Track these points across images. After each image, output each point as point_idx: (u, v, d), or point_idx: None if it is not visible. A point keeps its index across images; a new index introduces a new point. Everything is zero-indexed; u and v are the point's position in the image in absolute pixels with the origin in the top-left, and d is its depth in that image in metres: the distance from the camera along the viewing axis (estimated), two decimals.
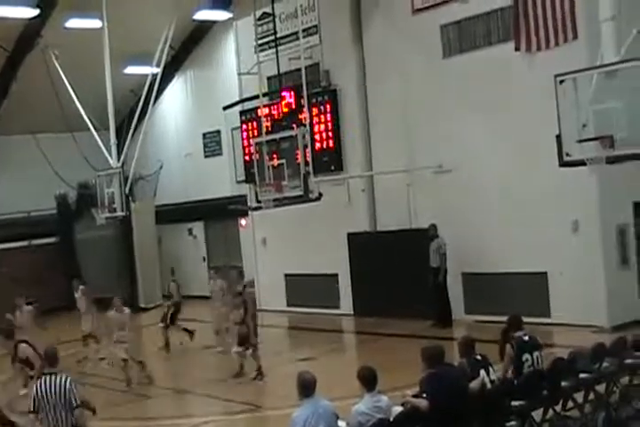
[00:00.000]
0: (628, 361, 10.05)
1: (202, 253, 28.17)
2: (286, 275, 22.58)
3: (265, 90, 21.42)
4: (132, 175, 21.80)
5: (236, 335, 15.36)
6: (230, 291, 17.41)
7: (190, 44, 27.64)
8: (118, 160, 21.44)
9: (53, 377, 8.26)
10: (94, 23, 21.74)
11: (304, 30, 19.76)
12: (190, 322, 19.74)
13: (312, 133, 19.35)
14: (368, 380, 7.69)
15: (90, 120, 22.57)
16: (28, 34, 24.22)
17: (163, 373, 16.29)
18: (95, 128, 22.50)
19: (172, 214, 28.43)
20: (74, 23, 23.40)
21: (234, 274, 17.61)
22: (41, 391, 8.18)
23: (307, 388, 7.37)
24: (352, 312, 21.08)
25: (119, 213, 21.46)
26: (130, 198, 23.13)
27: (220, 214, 26.08)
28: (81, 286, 20.24)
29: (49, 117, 26.44)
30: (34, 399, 8.24)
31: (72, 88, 22.80)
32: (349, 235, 20.97)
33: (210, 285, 19.66)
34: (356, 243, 20.89)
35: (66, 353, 18.25)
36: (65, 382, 8.24)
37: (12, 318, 16.93)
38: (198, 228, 28.40)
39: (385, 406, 7.69)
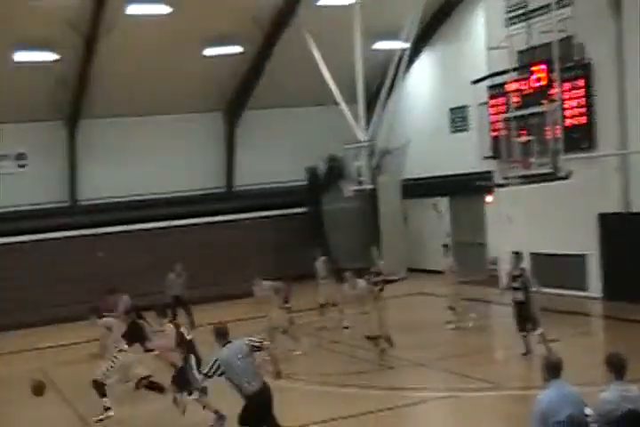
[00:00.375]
0: None
1: (446, 229, 28.17)
2: (532, 253, 22.13)
3: (515, 64, 20.96)
4: (379, 149, 22.12)
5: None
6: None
7: (439, 19, 27.50)
8: (366, 134, 21.89)
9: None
10: (346, 0, 22.25)
11: (557, 1, 19.07)
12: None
13: (562, 109, 18.71)
14: (617, 367, 7.39)
15: (340, 95, 23.20)
16: (284, 13, 25.17)
17: (405, 345, 16.54)
18: (345, 102, 23.11)
19: (418, 189, 28.63)
20: (326, 1, 24.09)
21: (512, 257, 16.87)
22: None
23: (554, 370, 7.25)
24: (601, 295, 20.34)
25: (366, 186, 21.94)
26: (377, 172, 23.54)
27: (465, 190, 25.93)
28: (322, 257, 20.85)
29: (300, 92, 27.44)
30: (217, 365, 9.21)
31: (323, 64, 23.53)
32: (601, 215, 20.18)
33: (442, 261, 19.57)
34: (609, 224, 20.07)
35: (302, 321, 19.10)
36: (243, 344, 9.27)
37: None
38: (443, 203, 28.39)
39: (635, 396, 7.37)
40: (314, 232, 28.88)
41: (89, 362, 13.87)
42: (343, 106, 23.03)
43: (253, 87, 28.04)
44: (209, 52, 25.57)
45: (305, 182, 29.65)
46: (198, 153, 28.79)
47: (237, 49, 25.85)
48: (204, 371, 9.57)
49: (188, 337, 12.20)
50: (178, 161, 28.23)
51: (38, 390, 11.14)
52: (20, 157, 26.93)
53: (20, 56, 23.51)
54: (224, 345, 9.32)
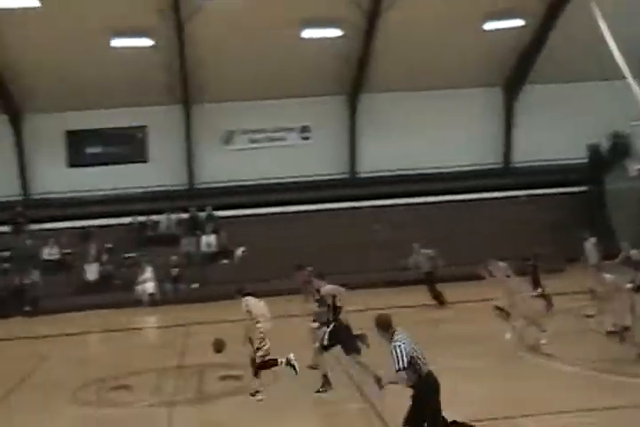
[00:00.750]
0: None
1: None
2: None
3: None
4: None
5: None
6: None
7: None
8: None
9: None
10: None
11: None
12: None
13: None
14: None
15: (627, 68, 22.03)
16: None
17: None
18: (632, 77, 21.93)
19: None
20: None
21: None
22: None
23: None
24: None
25: None
26: None
27: None
28: (591, 238, 19.77)
29: (583, 66, 26.37)
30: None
31: (610, 36, 22.41)
32: None
33: None
34: None
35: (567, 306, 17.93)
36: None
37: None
38: None
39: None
40: (593, 213, 27.70)
41: None
42: (630, 80, 21.85)
43: (534, 61, 27.41)
44: (489, 26, 25.29)
45: (585, 160, 28.52)
46: (476, 128, 28.62)
47: (519, 22, 25.32)
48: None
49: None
50: (455, 136, 28.25)
51: (219, 346, 11.58)
52: (305, 129, 28.29)
53: (308, 33, 24.68)
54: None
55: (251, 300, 11.80)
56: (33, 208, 26.43)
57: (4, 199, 26.27)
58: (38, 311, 22.98)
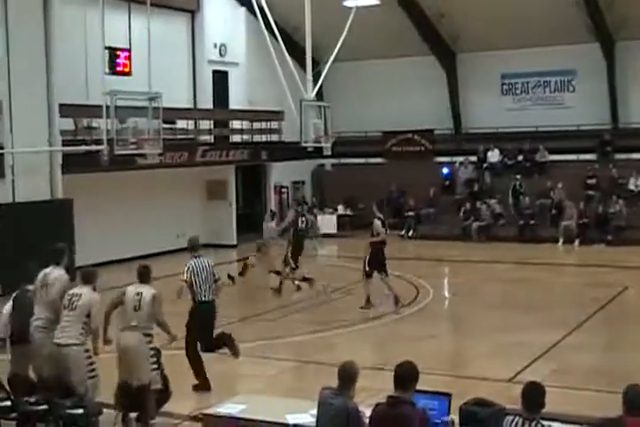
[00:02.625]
0: None
1: None
2: None
3: None
4: None
5: None
6: None
7: None
8: None
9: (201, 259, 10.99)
10: None
11: None
12: None
13: None
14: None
15: None
16: None
17: None
18: None
19: None
20: None
21: None
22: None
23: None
24: None
25: None
26: None
27: None
28: None
29: None
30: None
31: None
32: None
33: None
34: None
35: None
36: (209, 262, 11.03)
37: None
38: None
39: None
40: None
41: None
42: None
43: None
44: None
45: None
46: None
47: None
48: None
49: None
50: None
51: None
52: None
53: None
54: None
55: None
56: (621, 137, 26.61)
57: (593, 128, 26.80)
58: (620, 241, 23.41)
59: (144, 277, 9.56)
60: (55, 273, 9.52)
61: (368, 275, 15.81)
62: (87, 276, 9.39)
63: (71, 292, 9.18)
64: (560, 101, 28.28)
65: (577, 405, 9.20)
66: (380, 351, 13.28)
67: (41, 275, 9.56)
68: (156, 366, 9.31)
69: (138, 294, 9.31)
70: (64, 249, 9.98)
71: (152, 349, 9.32)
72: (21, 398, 8.61)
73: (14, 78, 17.97)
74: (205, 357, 10.77)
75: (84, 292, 9.12)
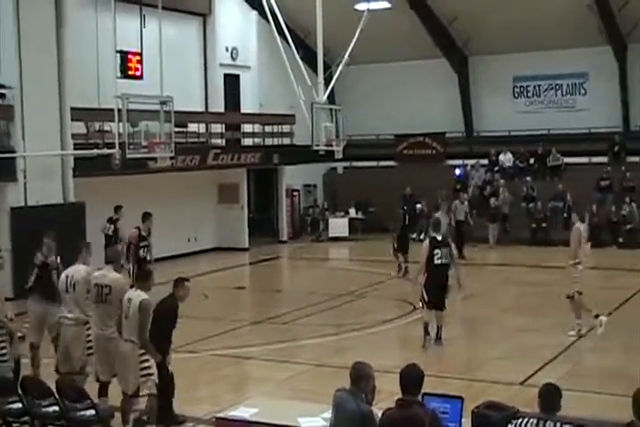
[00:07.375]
0: None
1: None
2: None
3: None
4: None
5: None
6: None
7: None
8: None
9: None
10: None
11: None
12: None
13: None
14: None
15: None
16: None
17: None
18: None
19: None
20: None
21: None
22: None
23: None
24: None
25: None
26: None
27: None
28: None
29: None
30: None
31: None
32: None
33: None
34: None
35: None
36: None
37: None
38: None
39: None
40: None
41: None
42: None
43: None
44: None
45: None
46: None
47: None
48: None
49: None
50: None
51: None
52: None
53: None
54: None
55: None
56: (633, 140, 26.55)
57: (605, 130, 26.72)
58: (632, 244, 23.32)
59: (140, 281, 9.19)
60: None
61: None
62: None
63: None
64: (572, 104, 28.25)
65: (591, 408, 9.17)
66: (394, 354, 13.26)
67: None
68: (147, 371, 8.87)
69: (129, 300, 8.87)
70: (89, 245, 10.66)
71: (142, 354, 8.82)
72: (33, 401, 8.62)
73: (26, 82, 18.09)
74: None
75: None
